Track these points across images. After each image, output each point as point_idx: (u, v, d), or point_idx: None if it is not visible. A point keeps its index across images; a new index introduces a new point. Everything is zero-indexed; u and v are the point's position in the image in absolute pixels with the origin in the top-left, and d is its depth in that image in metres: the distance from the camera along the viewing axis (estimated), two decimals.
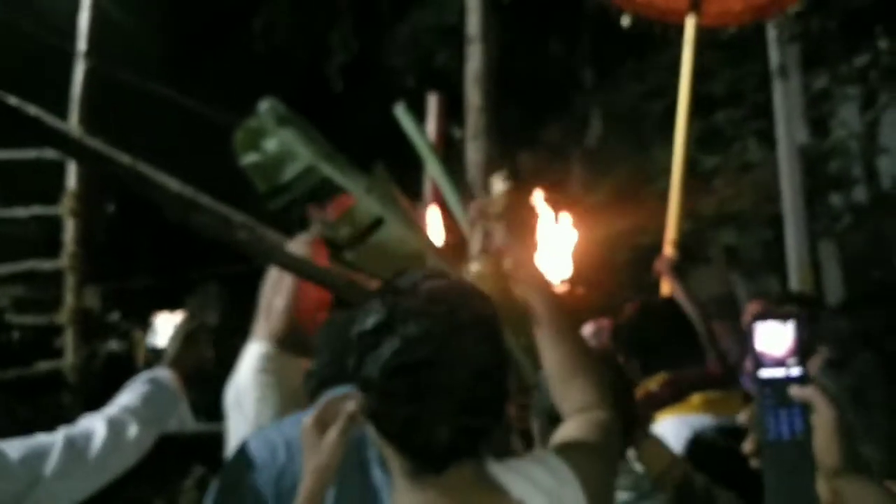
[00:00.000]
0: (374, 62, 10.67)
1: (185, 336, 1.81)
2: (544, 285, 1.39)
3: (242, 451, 1.74)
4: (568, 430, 1.27)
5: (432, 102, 4.52)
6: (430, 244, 2.27)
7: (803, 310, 3.00)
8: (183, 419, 1.61)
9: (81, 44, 3.97)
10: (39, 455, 1.39)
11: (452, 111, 4.88)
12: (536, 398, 1.81)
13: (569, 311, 1.43)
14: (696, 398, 2.20)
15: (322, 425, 1.37)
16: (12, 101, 2.58)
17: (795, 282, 7.04)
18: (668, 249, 3.40)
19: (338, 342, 1.95)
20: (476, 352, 1.10)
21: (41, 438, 1.43)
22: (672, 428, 2.09)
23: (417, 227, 2.33)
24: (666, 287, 3.33)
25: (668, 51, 8.30)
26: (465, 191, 2.50)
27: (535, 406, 1.82)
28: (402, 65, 10.24)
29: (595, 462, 1.21)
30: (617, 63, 9.27)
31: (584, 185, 9.44)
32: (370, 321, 1.12)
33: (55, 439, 1.43)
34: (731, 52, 7.57)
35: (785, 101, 7.20)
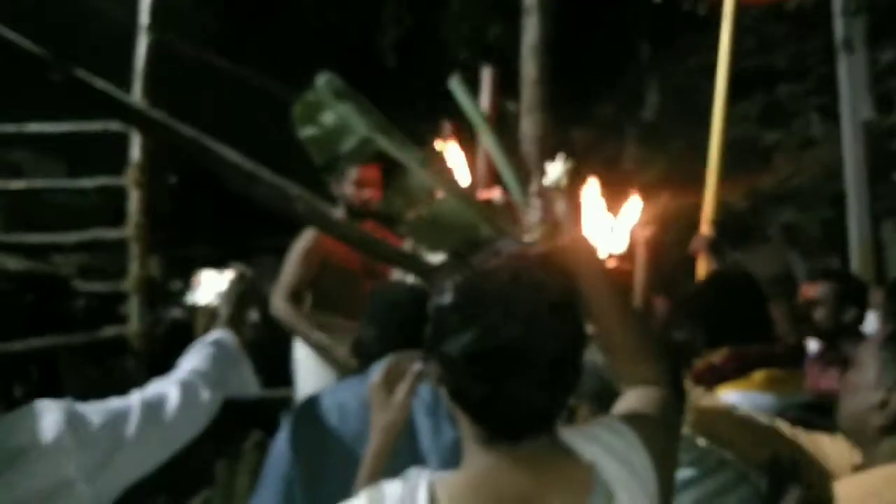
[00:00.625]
0: (428, 36, 10.64)
1: (238, 296, 1.82)
2: (599, 261, 1.39)
3: (296, 414, 1.81)
4: (628, 402, 1.28)
5: (486, 76, 4.50)
6: (486, 216, 2.29)
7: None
8: (246, 380, 1.66)
9: (144, 17, 4.06)
10: (120, 420, 1.37)
11: (506, 84, 4.86)
12: (584, 381, 1.82)
13: (622, 287, 1.44)
14: (759, 375, 2.18)
15: (390, 385, 1.42)
16: (80, 73, 2.66)
17: (856, 262, 6.87)
18: (706, 228, 3.36)
19: (388, 316, 1.98)
20: (557, 334, 1.11)
21: (117, 402, 1.41)
22: (733, 403, 2.09)
23: (472, 199, 2.35)
24: (702, 266, 3.29)
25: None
26: (519, 164, 2.50)
27: (582, 389, 1.82)
28: (456, 38, 10.19)
29: (657, 430, 1.22)
30: (674, 36, 9.08)
31: (639, 161, 9.31)
32: (450, 298, 1.12)
33: (131, 403, 1.41)
34: (794, 25, 7.35)
35: (850, 75, 6.98)
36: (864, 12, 6.56)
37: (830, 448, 1.70)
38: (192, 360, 1.63)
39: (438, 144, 2.47)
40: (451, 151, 2.46)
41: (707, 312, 2.34)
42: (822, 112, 7.61)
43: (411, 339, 1.99)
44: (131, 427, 1.37)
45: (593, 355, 1.62)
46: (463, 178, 2.43)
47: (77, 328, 4.23)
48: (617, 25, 9.91)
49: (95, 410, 1.35)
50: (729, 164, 7.91)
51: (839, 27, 6.89)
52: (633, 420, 1.22)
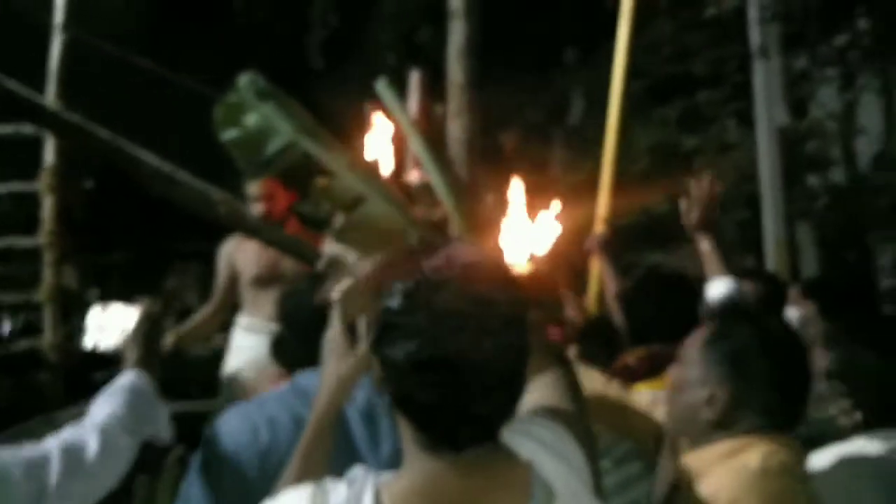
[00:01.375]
0: (356, 38, 10.59)
1: (147, 336, 1.73)
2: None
3: (221, 428, 1.71)
4: (536, 394, 1.29)
5: (414, 79, 4.50)
6: (415, 219, 2.27)
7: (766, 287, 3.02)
8: (161, 424, 1.62)
9: (59, 16, 3.90)
10: (40, 466, 1.30)
11: (435, 88, 4.87)
12: None
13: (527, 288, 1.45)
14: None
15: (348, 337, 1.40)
16: None
17: (772, 262, 7.13)
18: (599, 227, 3.41)
19: (307, 318, 1.94)
20: (506, 347, 1.11)
21: (35, 448, 1.34)
22: (644, 401, 2.12)
23: (401, 202, 2.32)
24: (595, 265, 3.35)
25: (648, 31, 8.32)
26: (447, 167, 2.50)
27: None
28: (385, 41, 10.17)
29: (573, 414, 1.25)
30: (599, 42, 9.26)
31: (566, 165, 9.46)
32: (400, 302, 1.11)
33: (50, 449, 1.34)
34: (711, 32, 7.59)
35: (765, 82, 7.25)
36: (778, 20, 6.82)
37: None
38: (107, 405, 1.55)
39: (366, 134, 2.44)
40: (376, 134, 2.44)
41: (632, 312, 2.37)
42: (738, 117, 7.88)
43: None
44: (53, 474, 1.30)
45: None
46: (387, 163, 2.41)
47: None
48: (544, 30, 10.06)
49: (13, 460, 1.28)
50: (650, 168, 8.14)
51: (755, 35, 7.15)
52: (552, 411, 1.24)
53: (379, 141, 2.44)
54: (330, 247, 2.66)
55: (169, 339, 3.33)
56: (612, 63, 9.00)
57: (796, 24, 7.06)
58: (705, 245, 2.58)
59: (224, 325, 3.65)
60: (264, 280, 3.42)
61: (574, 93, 10.26)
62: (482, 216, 1.59)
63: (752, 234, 7.63)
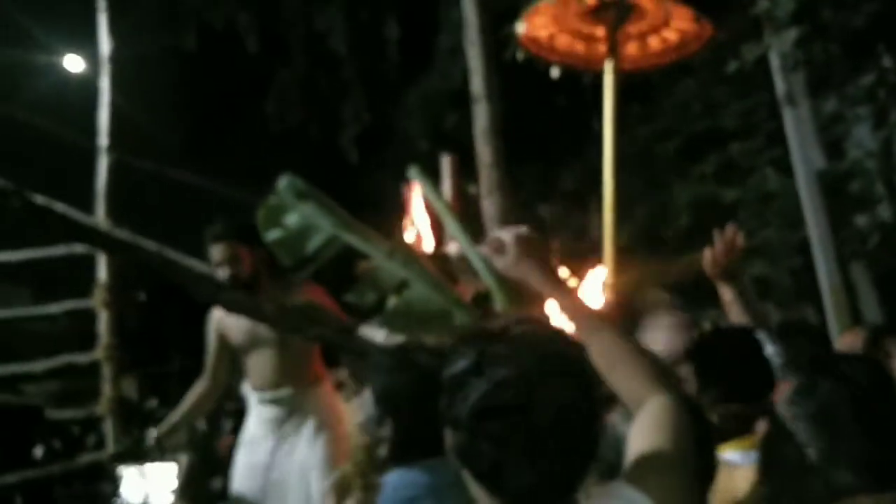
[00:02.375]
0: (387, 129, 10.89)
1: (192, 489, 1.74)
2: (561, 288, 1.43)
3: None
4: (636, 444, 1.24)
5: (445, 163, 4.60)
6: (458, 301, 2.28)
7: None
8: None
9: (103, 139, 4.10)
10: None
11: (467, 169, 4.96)
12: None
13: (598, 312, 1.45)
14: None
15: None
16: (40, 199, 2.66)
17: (830, 307, 6.93)
18: (606, 295, 3.33)
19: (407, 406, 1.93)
20: (564, 396, 1.10)
21: None
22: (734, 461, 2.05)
23: (442, 285, 2.34)
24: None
25: (673, 92, 8.40)
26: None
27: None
28: (415, 129, 10.43)
29: (669, 475, 1.19)
30: (623, 108, 9.38)
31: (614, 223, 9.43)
32: (460, 364, 1.13)
33: None
34: (736, 86, 7.63)
35: (796, 127, 7.21)
36: (801, 67, 6.83)
37: None
38: None
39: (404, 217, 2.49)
40: (413, 215, 2.49)
41: (705, 370, 2.31)
42: (775, 165, 7.82)
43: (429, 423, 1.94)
44: None
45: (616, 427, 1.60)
46: (428, 241, 2.45)
47: (54, 458, 4.09)
48: (569, 102, 10.23)
49: None
50: (693, 224, 8.05)
51: (780, 83, 7.15)
52: (642, 479, 1.18)
53: (417, 221, 2.50)
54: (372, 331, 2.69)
55: (159, 431, 3.33)
56: (637, 127, 9.05)
57: (820, 69, 7.06)
58: (727, 294, 2.55)
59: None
60: (245, 346, 3.33)
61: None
62: (524, 290, 1.60)
63: (807, 281, 7.46)
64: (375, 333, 2.69)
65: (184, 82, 10.99)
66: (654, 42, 3.46)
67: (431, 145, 9.86)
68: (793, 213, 7.38)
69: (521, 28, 3.10)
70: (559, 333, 1.21)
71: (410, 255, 2.41)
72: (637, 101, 8.97)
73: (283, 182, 2.55)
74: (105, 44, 4.25)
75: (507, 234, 1.50)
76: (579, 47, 3.40)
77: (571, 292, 1.44)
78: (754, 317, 2.57)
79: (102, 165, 4.11)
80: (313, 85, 10.80)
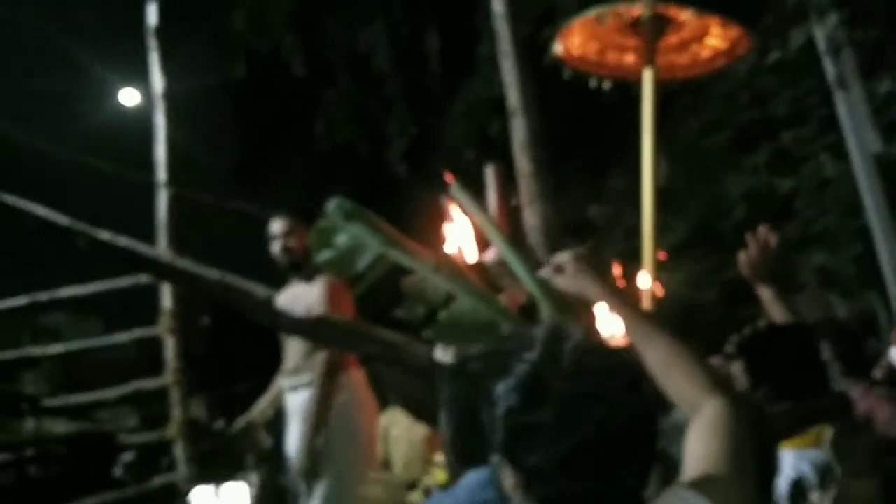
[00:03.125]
0: (434, 141, 10.98)
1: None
2: (620, 298, 1.45)
3: None
4: (693, 449, 1.23)
5: (490, 173, 4.63)
6: (504, 311, 2.33)
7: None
8: None
9: (161, 173, 4.27)
10: None
11: (513, 177, 4.99)
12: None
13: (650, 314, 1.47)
14: (817, 432, 2.13)
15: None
16: (104, 235, 2.80)
17: (894, 294, 6.73)
18: (647, 305, 3.28)
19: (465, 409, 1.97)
20: (635, 412, 1.12)
21: None
22: (790, 462, 2.04)
23: (488, 296, 2.39)
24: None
25: (721, 82, 8.26)
26: (529, 255, 2.56)
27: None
28: (460, 139, 10.49)
29: (730, 480, 1.18)
30: (671, 99, 9.28)
31: (660, 227, 9.32)
32: (515, 400, 1.11)
33: None
34: (784, 73, 7.48)
35: (849, 111, 7.03)
36: (846, 50, 6.67)
37: None
38: None
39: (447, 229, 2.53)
40: (456, 227, 2.52)
41: (761, 369, 2.29)
42: (830, 151, 7.63)
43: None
44: None
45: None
46: (471, 253, 2.48)
47: (128, 481, 4.24)
48: (615, 99, 10.15)
49: None
50: (749, 217, 7.92)
51: (829, 67, 6.99)
52: (703, 483, 1.17)
53: (460, 233, 2.53)
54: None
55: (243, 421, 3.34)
56: (687, 119, 8.90)
57: (871, 50, 6.88)
58: (766, 295, 2.52)
59: None
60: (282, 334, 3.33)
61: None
62: (569, 298, 1.63)
63: (869, 268, 7.25)
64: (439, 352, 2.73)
65: (235, 111, 11.30)
66: (694, 52, 3.46)
67: (477, 154, 9.91)
68: (851, 199, 7.19)
69: (558, 49, 3.12)
70: (602, 344, 1.24)
71: (456, 268, 2.46)
72: (685, 92, 8.87)
73: (332, 204, 2.64)
74: (158, 81, 4.42)
75: (565, 256, 1.56)
76: (620, 60, 3.41)
77: (628, 299, 1.46)
78: (795, 317, 2.54)
79: (162, 199, 4.28)
80: (359, 103, 10.97)
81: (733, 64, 3.61)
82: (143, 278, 4.26)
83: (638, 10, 3.19)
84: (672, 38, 3.36)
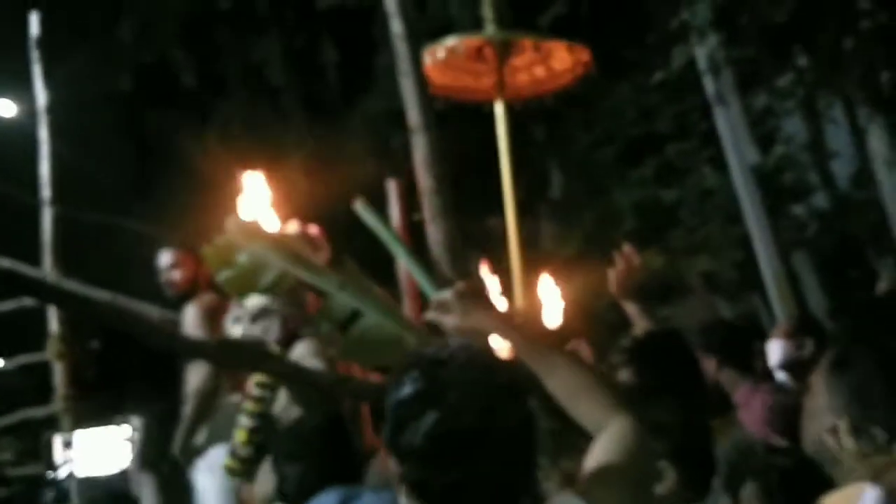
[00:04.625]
0: (331, 154, 10.90)
1: None
2: (514, 329, 1.43)
3: None
4: (589, 460, 1.28)
5: (391, 188, 4.65)
6: (410, 327, 2.34)
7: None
8: None
9: (45, 192, 4.07)
10: None
11: (415, 191, 5.02)
12: None
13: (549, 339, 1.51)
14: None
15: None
16: None
17: (775, 297, 7.16)
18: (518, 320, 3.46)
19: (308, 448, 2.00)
20: (513, 414, 1.16)
21: None
22: None
23: (395, 313, 2.40)
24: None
25: (609, 99, 8.60)
26: (432, 269, 2.60)
27: None
28: (359, 152, 10.46)
29: (615, 486, 1.23)
30: (563, 116, 9.58)
31: (556, 238, 9.60)
32: (407, 390, 1.16)
33: None
34: (668, 91, 7.86)
35: (728, 125, 7.46)
36: (726, 67, 7.08)
37: None
38: None
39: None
40: (253, 193, 2.53)
41: (655, 371, 2.40)
42: (711, 164, 8.07)
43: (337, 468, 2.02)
44: None
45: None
46: (270, 222, 2.51)
47: None
48: (511, 113, 10.36)
49: None
50: (638, 226, 8.24)
51: (709, 84, 7.40)
52: (593, 492, 1.22)
53: (258, 203, 2.55)
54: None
55: None
56: (584, 133, 9.17)
57: (746, 67, 7.32)
58: (632, 309, 2.69)
59: None
60: None
61: (550, 168, 10.50)
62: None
63: (750, 272, 7.69)
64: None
65: (123, 124, 10.88)
66: (538, 72, 3.72)
67: (378, 167, 9.92)
68: (732, 208, 7.62)
69: None
70: (495, 354, 1.29)
71: (361, 285, 2.46)
72: (576, 107, 9.17)
73: (230, 222, 2.59)
74: (41, 94, 4.22)
75: (448, 294, 1.50)
76: (475, 84, 3.67)
77: (523, 329, 1.45)
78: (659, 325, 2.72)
79: (47, 218, 4.07)
80: (253, 113, 10.77)
81: (575, 82, 3.94)
82: (28, 302, 4.04)
83: (480, 40, 3.42)
84: (517, 61, 3.61)
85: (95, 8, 10.06)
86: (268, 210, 2.46)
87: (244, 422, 2.66)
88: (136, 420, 3.39)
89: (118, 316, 2.37)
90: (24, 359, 4.39)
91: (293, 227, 2.45)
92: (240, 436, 2.67)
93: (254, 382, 2.68)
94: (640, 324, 2.68)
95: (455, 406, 1.13)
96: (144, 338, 2.33)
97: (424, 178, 2.69)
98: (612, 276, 2.66)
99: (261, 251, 2.50)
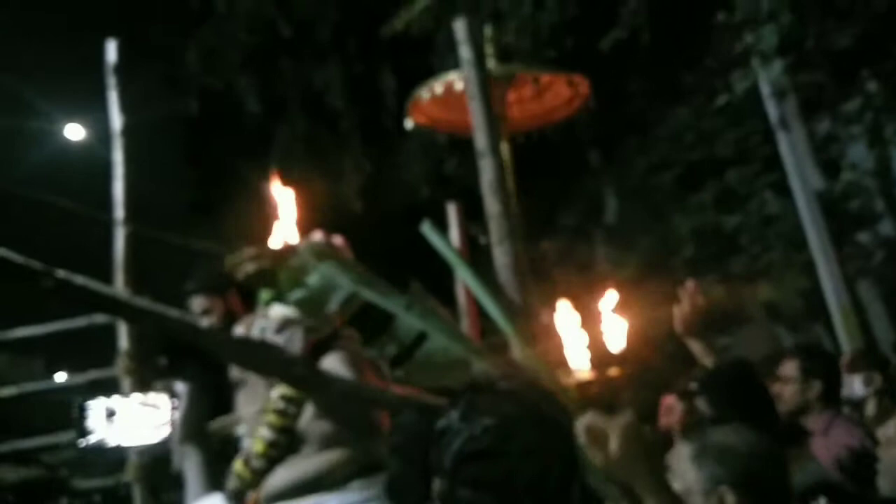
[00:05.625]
0: (388, 178, 11.05)
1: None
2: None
3: None
4: None
5: (451, 211, 4.71)
6: (474, 349, 2.35)
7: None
8: None
9: (119, 212, 4.21)
10: None
11: (472, 214, 5.06)
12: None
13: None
14: None
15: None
16: (62, 274, 2.74)
17: (840, 326, 6.96)
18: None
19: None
20: (539, 447, 1.17)
21: None
22: None
23: (459, 335, 2.42)
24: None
25: (667, 124, 8.55)
26: (499, 292, 2.60)
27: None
28: (415, 176, 10.58)
29: None
30: (617, 141, 9.55)
31: (611, 262, 9.52)
32: (450, 416, 1.22)
33: None
34: (729, 115, 7.77)
35: (792, 150, 7.32)
36: (789, 94, 6.97)
37: None
38: None
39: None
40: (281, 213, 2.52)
41: (729, 400, 2.39)
42: (774, 189, 7.92)
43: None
44: None
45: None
46: (293, 236, 2.51)
47: None
48: (566, 138, 10.37)
49: None
50: (697, 253, 8.12)
51: (772, 109, 7.29)
52: None
53: (284, 221, 2.55)
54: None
55: None
56: (635, 160, 9.13)
57: (810, 92, 7.20)
58: (697, 348, 2.66)
59: None
60: None
61: (605, 193, 10.45)
62: (538, 333, 1.68)
63: (815, 301, 7.50)
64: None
65: (190, 147, 11.21)
66: (536, 106, 3.80)
67: (433, 190, 10.01)
68: (795, 235, 7.46)
69: (409, 124, 3.36)
70: (544, 389, 1.32)
71: (427, 306, 2.49)
72: (633, 133, 9.13)
73: (303, 243, 2.64)
74: (116, 118, 4.39)
75: (609, 423, 1.28)
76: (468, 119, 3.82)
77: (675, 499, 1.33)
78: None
79: (119, 237, 4.21)
80: (313, 137, 10.99)
81: (573, 114, 4.00)
82: (99, 318, 4.18)
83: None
84: (515, 95, 3.68)
85: (163, 36, 10.44)
86: (292, 222, 2.48)
87: (264, 433, 2.67)
88: (181, 387, 3.34)
89: (189, 331, 2.44)
90: (93, 374, 4.52)
91: (317, 236, 2.48)
92: (257, 446, 2.67)
93: (278, 395, 2.69)
94: (707, 361, 2.66)
95: (478, 430, 1.17)
96: (216, 351, 2.38)
97: (491, 202, 2.71)
98: (677, 314, 2.64)
99: (330, 272, 2.55)
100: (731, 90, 6.71)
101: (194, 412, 3.23)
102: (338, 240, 2.54)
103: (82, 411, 3.99)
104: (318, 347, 2.75)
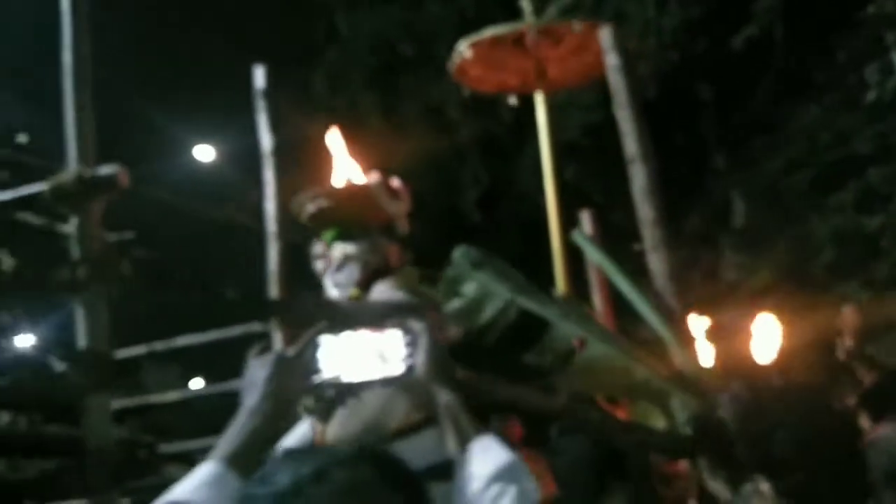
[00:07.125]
0: (506, 187, 11.13)
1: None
2: None
3: None
4: None
5: (585, 220, 4.74)
6: (636, 355, 2.38)
7: None
8: None
9: (271, 226, 4.46)
10: None
11: (602, 222, 5.05)
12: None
13: None
14: None
15: None
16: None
17: None
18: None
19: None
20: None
21: None
22: None
23: (619, 340, 2.45)
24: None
25: (797, 123, 8.23)
26: (656, 299, 2.62)
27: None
28: (533, 185, 10.60)
29: None
30: (744, 142, 9.25)
31: (740, 269, 9.22)
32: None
33: None
34: (868, 112, 7.42)
35: None
36: None
37: None
38: None
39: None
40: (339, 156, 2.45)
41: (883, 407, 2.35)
42: None
43: None
44: None
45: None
46: (358, 177, 2.42)
47: None
48: (686, 140, 10.15)
49: None
50: (838, 256, 7.75)
51: None
52: None
53: (344, 164, 2.49)
54: None
55: None
56: (766, 160, 8.80)
57: None
58: (860, 370, 2.58)
59: None
60: None
61: (732, 196, 10.14)
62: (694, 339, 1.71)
63: None
64: None
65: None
66: (576, 61, 3.83)
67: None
68: None
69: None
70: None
71: (583, 313, 2.53)
72: (761, 133, 8.84)
73: (458, 253, 2.74)
74: (266, 140, 4.65)
75: None
76: (513, 78, 3.84)
77: None
78: None
79: (273, 250, 4.45)
80: (433, 152, 11.23)
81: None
82: (255, 327, 4.42)
83: (521, 29, 3.50)
84: (555, 52, 3.72)
85: (290, 57, 10.94)
86: (350, 163, 2.44)
87: None
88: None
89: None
90: (234, 383, 4.76)
91: (374, 177, 2.46)
92: None
93: None
94: (868, 378, 2.60)
95: None
96: None
97: (645, 209, 2.73)
98: (839, 345, 2.62)
99: (486, 280, 2.64)
100: (881, 86, 6.39)
101: None
102: (395, 182, 2.50)
103: None
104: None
